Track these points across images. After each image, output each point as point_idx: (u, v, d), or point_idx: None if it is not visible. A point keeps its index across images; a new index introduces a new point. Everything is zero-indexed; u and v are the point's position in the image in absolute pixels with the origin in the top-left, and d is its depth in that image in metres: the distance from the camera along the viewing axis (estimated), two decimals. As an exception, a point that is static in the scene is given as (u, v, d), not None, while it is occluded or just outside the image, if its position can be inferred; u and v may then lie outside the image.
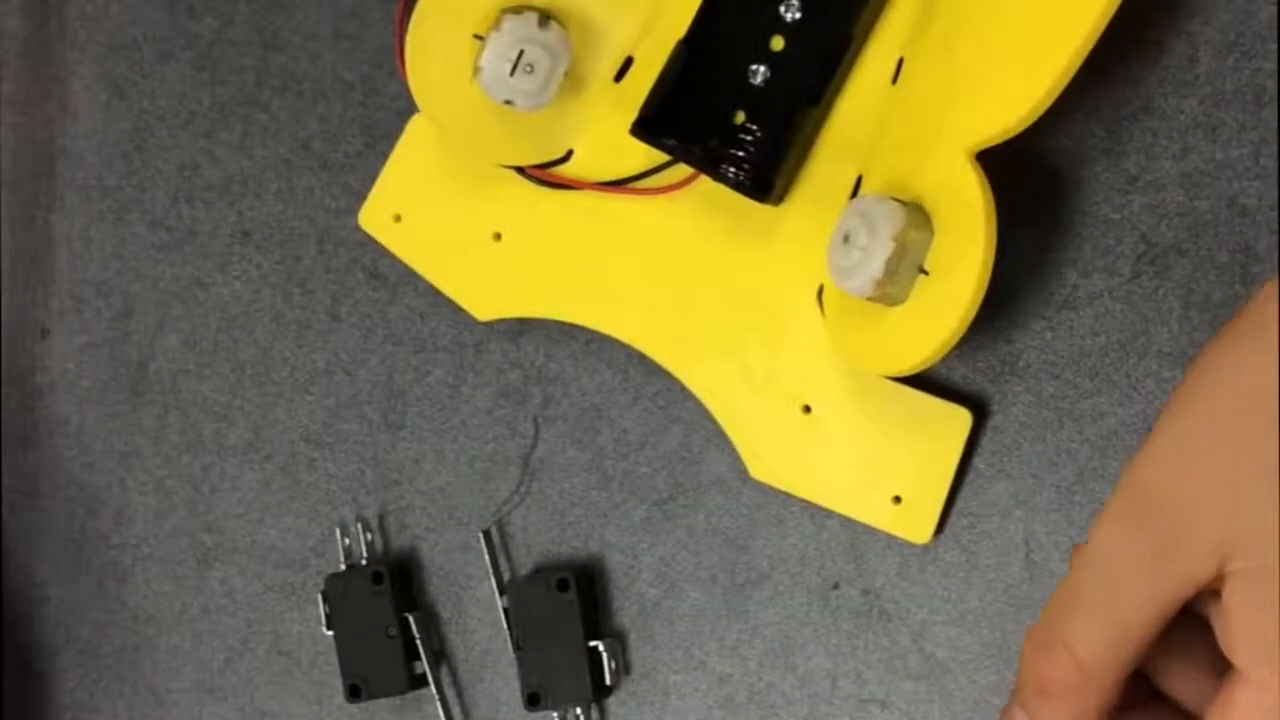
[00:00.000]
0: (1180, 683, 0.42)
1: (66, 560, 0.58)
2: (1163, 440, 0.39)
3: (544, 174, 0.51)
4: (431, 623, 0.54)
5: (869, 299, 0.45)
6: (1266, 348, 0.38)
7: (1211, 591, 0.39)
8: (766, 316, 0.49)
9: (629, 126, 0.49)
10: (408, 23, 0.50)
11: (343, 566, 0.54)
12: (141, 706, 0.57)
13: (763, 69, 0.48)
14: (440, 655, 0.54)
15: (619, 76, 0.50)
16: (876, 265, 0.45)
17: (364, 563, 0.54)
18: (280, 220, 0.55)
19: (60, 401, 0.58)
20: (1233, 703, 0.39)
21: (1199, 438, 0.39)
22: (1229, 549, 0.38)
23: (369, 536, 0.54)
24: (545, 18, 0.49)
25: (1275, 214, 0.46)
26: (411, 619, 0.53)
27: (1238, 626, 0.39)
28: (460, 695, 0.54)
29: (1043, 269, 0.48)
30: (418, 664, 0.53)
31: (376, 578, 0.53)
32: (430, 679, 0.53)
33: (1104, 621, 0.39)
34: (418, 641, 0.53)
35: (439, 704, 0.53)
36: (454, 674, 0.54)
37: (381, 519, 0.54)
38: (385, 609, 0.54)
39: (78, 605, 0.58)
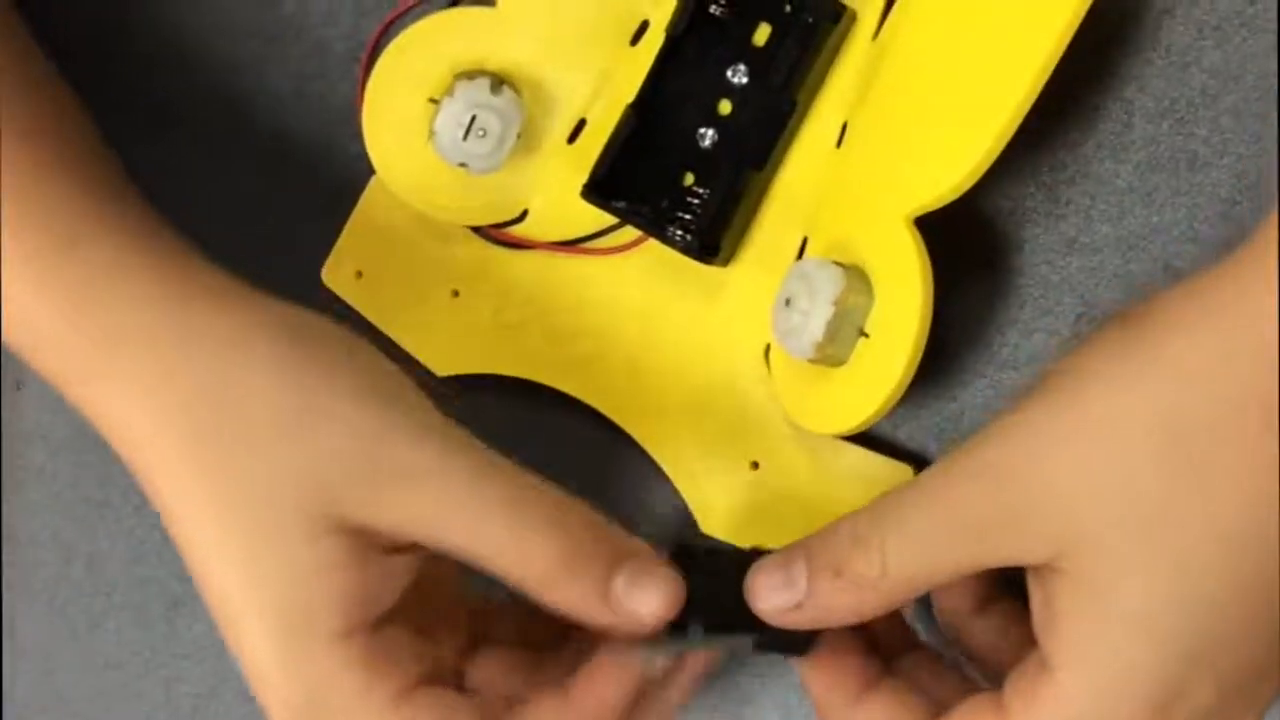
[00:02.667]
0: (979, 634, 0.45)
1: (39, 607, 0.59)
2: (1044, 419, 0.40)
3: (499, 233, 0.52)
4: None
5: (810, 360, 0.46)
6: (1167, 377, 0.39)
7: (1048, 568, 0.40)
8: (715, 374, 0.50)
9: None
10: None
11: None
12: (113, 751, 0.58)
13: (711, 132, 0.49)
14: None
15: (572, 138, 0.51)
16: (817, 328, 0.46)
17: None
18: (246, 276, 0.56)
19: (34, 451, 0.59)
20: (1036, 696, 0.40)
21: (1084, 427, 0.40)
22: (1067, 545, 0.40)
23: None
24: (498, 82, 0.50)
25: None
26: None
27: (1061, 624, 0.40)
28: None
29: (985, 329, 0.49)
30: None
31: None
32: None
33: (920, 556, 0.41)
34: None
35: None
36: None
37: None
38: None
39: (50, 652, 0.59)
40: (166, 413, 0.43)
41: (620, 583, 0.42)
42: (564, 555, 0.42)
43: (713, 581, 0.44)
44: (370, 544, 0.42)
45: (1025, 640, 0.42)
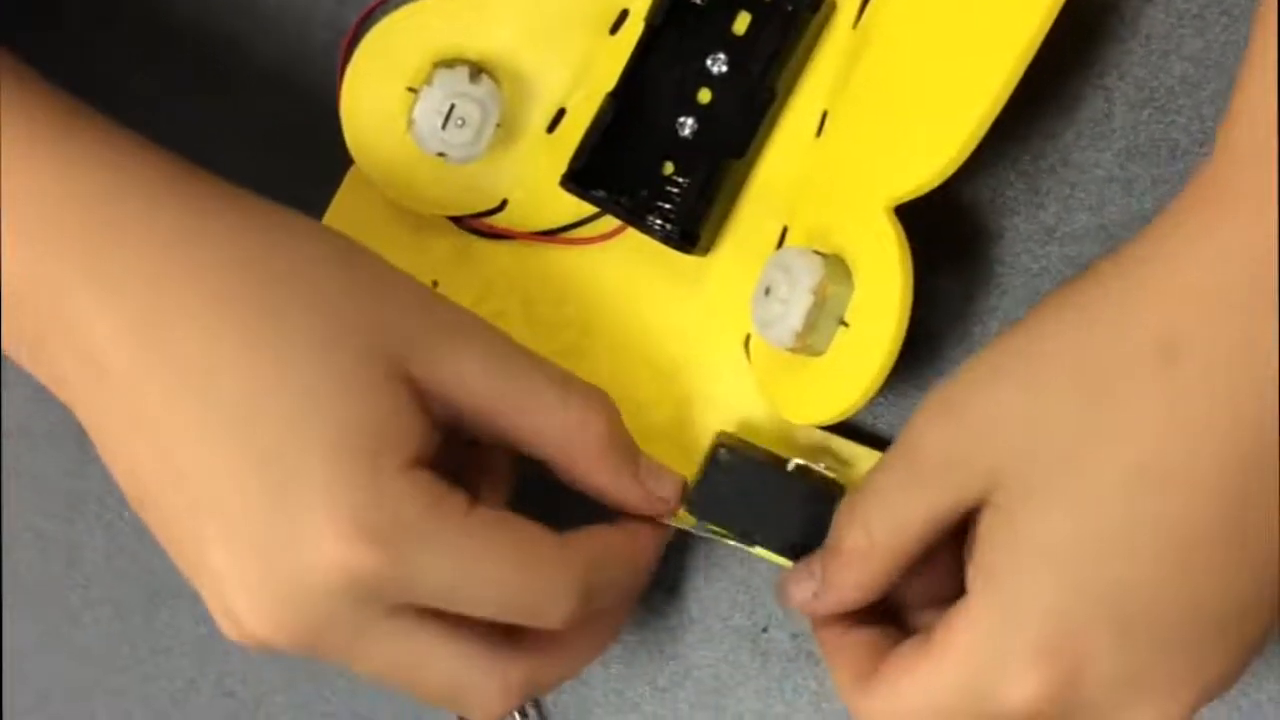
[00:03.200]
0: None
1: (17, 602, 0.58)
2: (984, 358, 0.42)
3: (478, 223, 0.52)
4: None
5: (790, 350, 0.46)
6: (1076, 315, 0.41)
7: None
8: (695, 364, 0.50)
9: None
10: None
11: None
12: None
13: (690, 121, 0.49)
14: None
15: (552, 127, 0.51)
16: (796, 317, 0.45)
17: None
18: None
19: (14, 448, 0.58)
20: (951, 622, 0.41)
21: (1007, 367, 0.42)
22: (996, 479, 0.41)
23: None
24: (477, 71, 0.50)
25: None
26: None
27: (979, 551, 0.41)
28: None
29: (965, 318, 0.48)
30: None
31: None
32: None
33: (893, 515, 0.43)
34: None
35: None
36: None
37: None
38: None
39: (28, 646, 0.58)
40: (213, 263, 0.43)
41: (643, 467, 0.47)
42: (608, 430, 0.46)
43: (736, 483, 0.48)
44: (422, 403, 0.43)
45: None
